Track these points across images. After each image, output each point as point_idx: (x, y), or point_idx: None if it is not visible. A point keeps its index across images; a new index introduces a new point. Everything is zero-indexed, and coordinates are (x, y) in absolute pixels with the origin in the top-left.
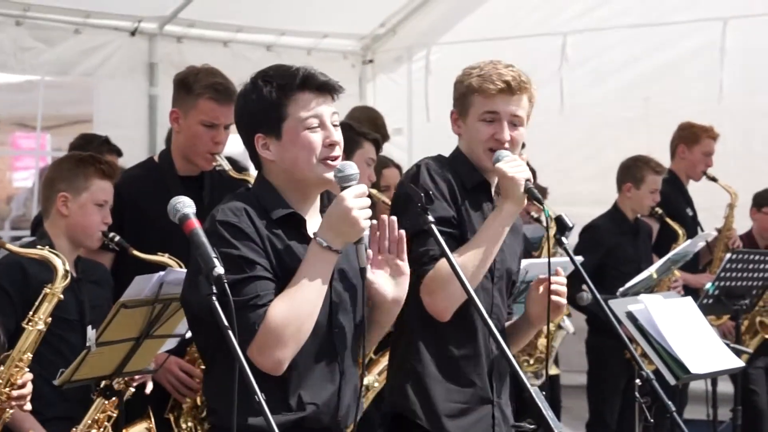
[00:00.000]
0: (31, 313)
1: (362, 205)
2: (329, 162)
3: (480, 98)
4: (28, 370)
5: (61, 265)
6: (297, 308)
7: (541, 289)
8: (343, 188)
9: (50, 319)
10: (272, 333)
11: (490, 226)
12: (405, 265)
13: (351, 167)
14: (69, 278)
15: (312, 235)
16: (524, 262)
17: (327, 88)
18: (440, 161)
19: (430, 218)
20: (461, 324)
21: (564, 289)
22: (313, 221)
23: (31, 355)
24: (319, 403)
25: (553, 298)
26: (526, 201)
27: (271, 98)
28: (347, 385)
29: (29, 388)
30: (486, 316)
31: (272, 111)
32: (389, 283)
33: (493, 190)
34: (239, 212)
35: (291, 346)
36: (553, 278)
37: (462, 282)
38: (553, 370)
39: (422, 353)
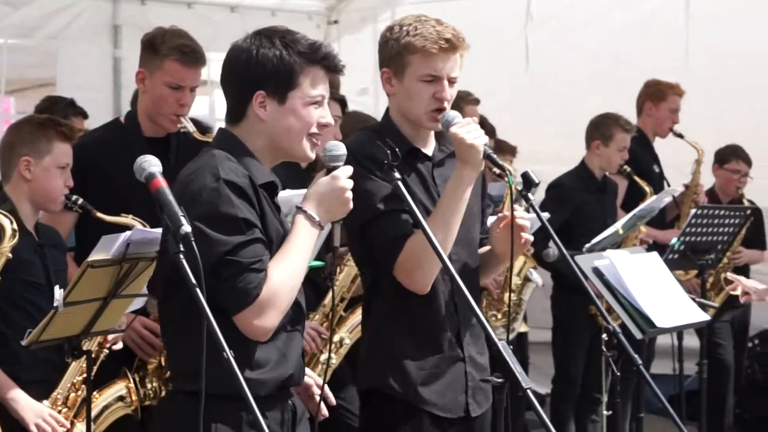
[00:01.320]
0: None
1: (352, 186)
2: (315, 140)
3: (420, 58)
4: None
5: (9, 224)
6: (292, 275)
7: (502, 225)
8: (330, 167)
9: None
10: (273, 297)
11: (452, 196)
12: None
13: (340, 147)
14: (17, 237)
15: (299, 207)
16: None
17: (338, 71)
18: (367, 141)
19: (397, 175)
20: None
21: (527, 224)
22: None
23: None
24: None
25: (522, 234)
26: (483, 165)
27: (290, 62)
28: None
29: None
30: (460, 281)
31: (285, 75)
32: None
33: (430, 151)
34: (242, 174)
35: (282, 312)
36: (516, 214)
37: (441, 257)
38: (521, 327)
39: (392, 325)
